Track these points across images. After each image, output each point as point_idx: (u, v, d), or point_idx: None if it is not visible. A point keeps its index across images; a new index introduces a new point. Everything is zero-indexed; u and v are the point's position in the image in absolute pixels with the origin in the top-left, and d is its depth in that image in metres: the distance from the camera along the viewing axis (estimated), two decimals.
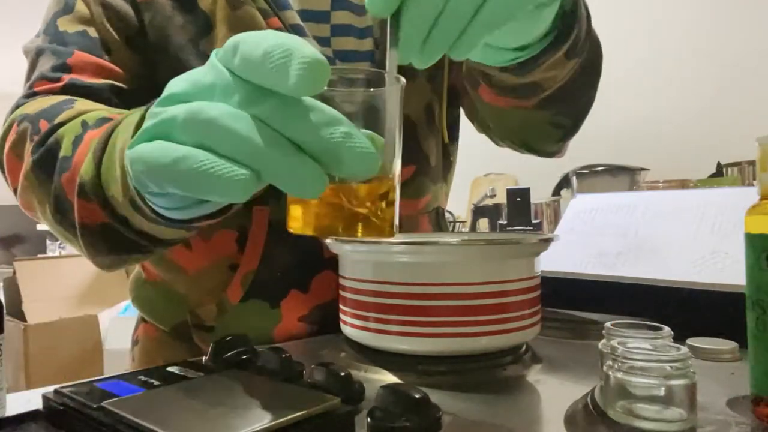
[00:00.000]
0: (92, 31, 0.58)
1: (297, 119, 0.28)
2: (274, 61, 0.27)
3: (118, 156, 0.41)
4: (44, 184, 0.49)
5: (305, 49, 0.27)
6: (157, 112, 0.31)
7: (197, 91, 0.31)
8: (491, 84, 0.57)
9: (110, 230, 0.45)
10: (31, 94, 0.56)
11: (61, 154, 0.48)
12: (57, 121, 0.50)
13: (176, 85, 0.32)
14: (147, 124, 0.32)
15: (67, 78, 0.56)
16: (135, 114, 0.42)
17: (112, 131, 0.43)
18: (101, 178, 0.43)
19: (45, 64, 0.57)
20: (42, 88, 0.56)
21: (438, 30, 0.34)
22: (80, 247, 0.49)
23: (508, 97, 0.59)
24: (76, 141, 0.47)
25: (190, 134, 0.29)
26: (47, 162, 0.49)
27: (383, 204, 0.33)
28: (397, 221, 0.34)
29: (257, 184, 0.29)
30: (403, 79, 0.33)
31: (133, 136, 0.38)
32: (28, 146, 0.51)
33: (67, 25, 0.58)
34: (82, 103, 0.53)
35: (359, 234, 0.32)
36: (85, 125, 0.48)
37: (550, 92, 0.56)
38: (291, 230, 0.33)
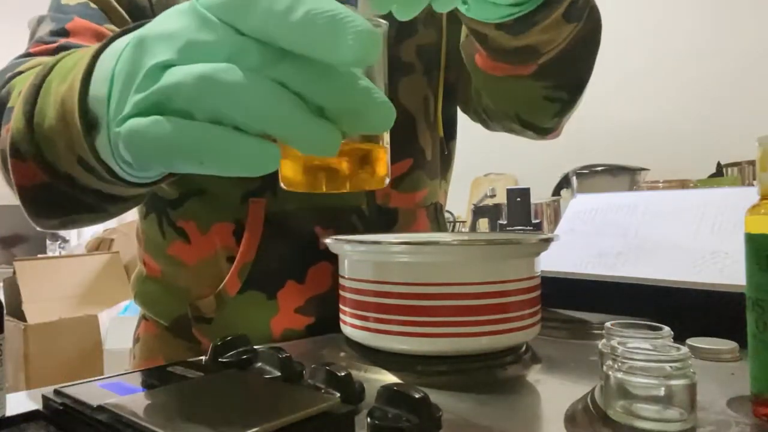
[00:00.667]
0: (93, 4, 0.58)
1: (323, 80, 0.26)
2: (319, 28, 0.24)
3: (54, 107, 0.36)
4: None
5: (352, 15, 0.24)
6: (145, 79, 0.27)
7: (192, 55, 0.27)
8: (487, 47, 0.55)
9: (53, 191, 0.41)
10: (24, 55, 0.55)
11: (9, 104, 0.44)
12: (17, 70, 0.49)
13: (158, 47, 0.27)
14: (138, 95, 0.28)
15: (62, 41, 0.55)
16: (69, 58, 0.38)
17: (44, 78, 0.39)
18: (35, 134, 0.39)
19: (44, 30, 0.57)
20: (36, 49, 0.55)
21: None
22: (24, 211, 0.44)
23: (504, 62, 0.57)
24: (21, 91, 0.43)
25: (202, 104, 0.26)
26: None
27: (375, 153, 0.33)
28: (389, 171, 0.34)
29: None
30: (385, 23, 0.33)
31: (83, 85, 0.34)
32: None
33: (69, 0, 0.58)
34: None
35: (352, 185, 0.32)
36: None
37: (547, 59, 0.54)
38: (284, 186, 0.33)
